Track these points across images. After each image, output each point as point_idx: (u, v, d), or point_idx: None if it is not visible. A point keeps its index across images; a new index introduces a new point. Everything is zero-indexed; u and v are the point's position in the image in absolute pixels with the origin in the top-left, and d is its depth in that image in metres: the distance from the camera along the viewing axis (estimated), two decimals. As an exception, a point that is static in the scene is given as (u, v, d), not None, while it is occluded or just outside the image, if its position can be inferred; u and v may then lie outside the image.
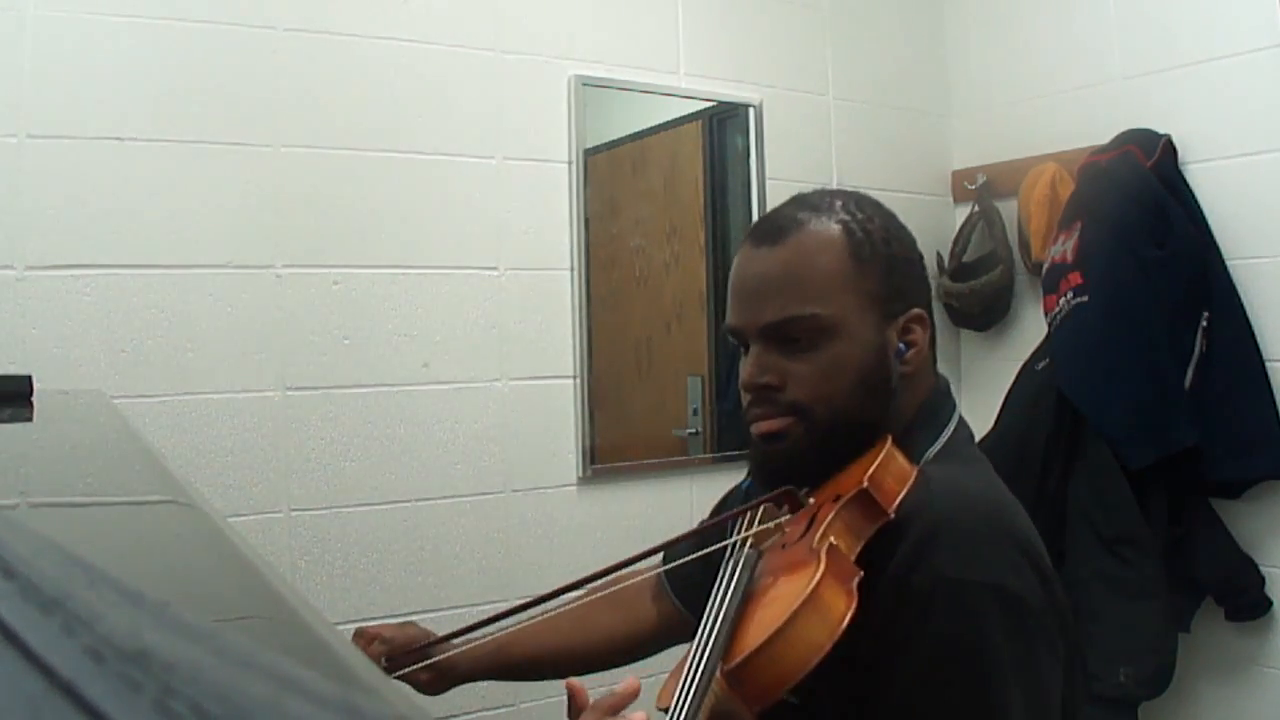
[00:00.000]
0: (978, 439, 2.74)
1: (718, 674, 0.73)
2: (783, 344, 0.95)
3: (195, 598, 0.45)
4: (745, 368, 0.97)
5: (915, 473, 0.89)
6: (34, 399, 1.10)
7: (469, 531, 2.21)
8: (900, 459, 0.90)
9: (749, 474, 1.19)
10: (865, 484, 0.85)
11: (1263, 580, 2.27)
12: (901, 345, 0.96)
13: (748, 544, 0.92)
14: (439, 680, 1.18)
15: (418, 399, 2.16)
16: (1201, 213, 2.32)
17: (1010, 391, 2.46)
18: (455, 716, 2.15)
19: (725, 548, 0.96)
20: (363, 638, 1.19)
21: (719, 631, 0.77)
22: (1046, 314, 2.38)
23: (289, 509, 2.03)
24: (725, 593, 0.83)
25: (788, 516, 0.93)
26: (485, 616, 1.20)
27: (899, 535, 0.85)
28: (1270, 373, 2.26)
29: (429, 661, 1.14)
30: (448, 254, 2.21)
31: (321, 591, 2.02)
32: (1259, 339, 2.26)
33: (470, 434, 2.22)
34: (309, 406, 2.06)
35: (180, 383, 1.94)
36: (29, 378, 1.10)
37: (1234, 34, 2.31)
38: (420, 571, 2.15)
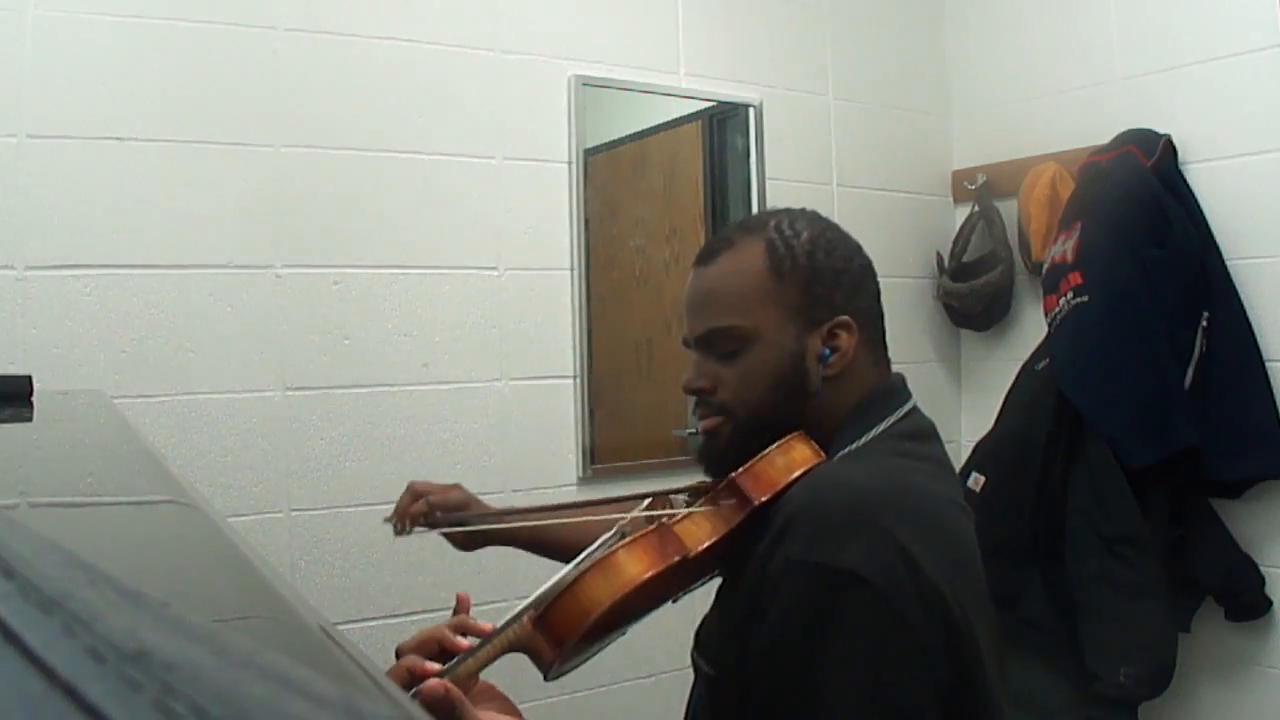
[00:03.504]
0: (978, 438, 2.74)
1: (524, 618, 0.88)
2: (714, 352, 1.05)
3: (195, 598, 0.45)
4: (685, 373, 1.08)
5: (810, 466, 0.97)
6: (34, 399, 1.10)
7: (469, 531, 2.20)
8: (800, 452, 0.98)
9: None
10: (733, 475, 0.96)
11: (1263, 580, 2.27)
12: (826, 350, 1.03)
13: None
14: (470, 541, 1.37)
15: (418, 399, 2.16)
16: (1201, 213, 2.32)
17: (1010, 391, 2.46)
18: (455, 716, 2.14)
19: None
20: (410, 492, 1.31)
21: (556, 584, 0.90)
22: (1046, 314, 2.38)
23: (289, 509, 2.03)
24: (584, 554, 0.94)
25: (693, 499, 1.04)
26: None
27: (768, 522, 0.92)
28: (1270, 373, 2.26)
29: (466, 527, 1.33)
30: (448, 254, 2.21)
31: (321, 591, 2.02)
32: (1259, 339, 2.26)
33: (470, 434, 2.22)
34: (309, 406, 2.06)
35: (180, 383, 1.94)
36: (29, 378, 1.10)
37: (1234, 34, 2.31)
38: (420, 571, 2.14)
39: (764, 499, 0.94)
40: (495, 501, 2.26)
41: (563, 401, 2.34)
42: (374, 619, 2.10)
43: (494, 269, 2.26)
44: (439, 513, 1.29)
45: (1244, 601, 2.28)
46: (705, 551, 0.93)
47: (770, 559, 0.89)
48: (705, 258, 1.08)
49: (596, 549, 0.95)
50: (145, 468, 0.86)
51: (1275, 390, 2.25)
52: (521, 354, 2.29)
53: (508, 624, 0.88)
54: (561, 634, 0.88)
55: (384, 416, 2.13)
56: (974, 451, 2.49)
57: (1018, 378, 2.47)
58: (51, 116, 1.86)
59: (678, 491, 1.10)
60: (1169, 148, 2.35)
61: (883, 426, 1.02)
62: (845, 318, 1.04)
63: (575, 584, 0.88)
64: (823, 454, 0.99)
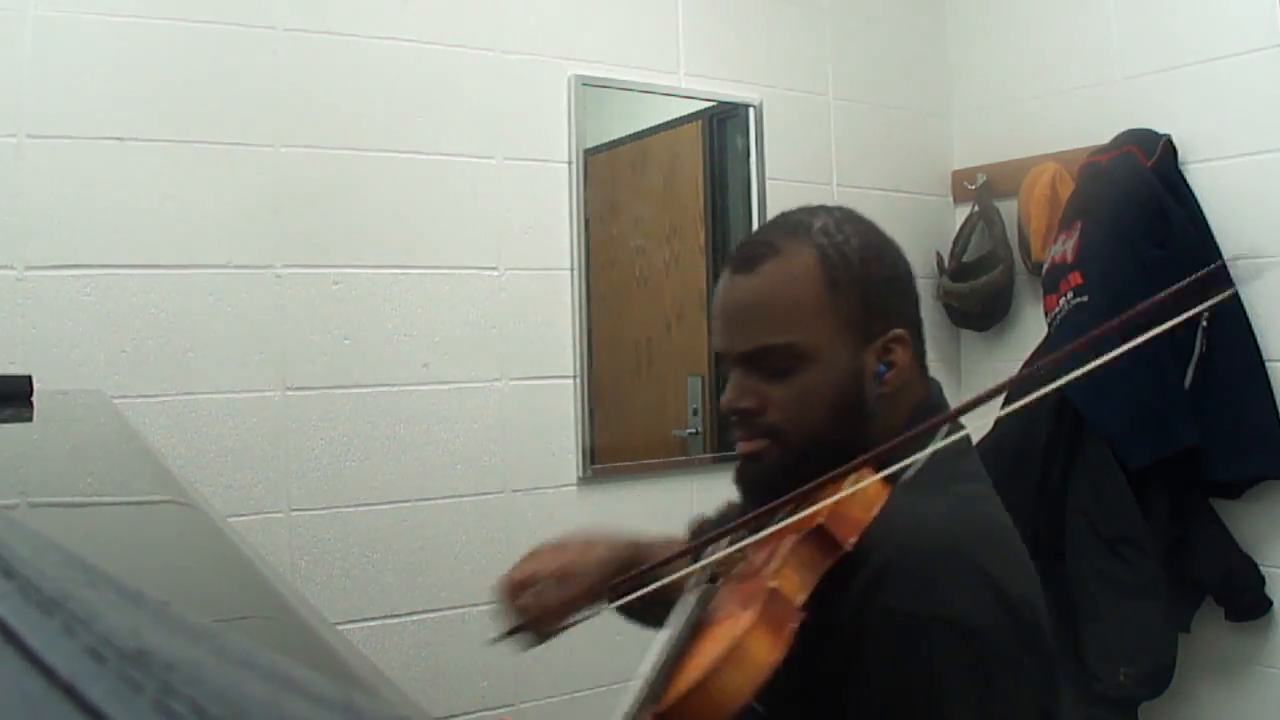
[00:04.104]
0: (978, 439, 2.74)
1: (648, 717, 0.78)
2: (760, 369, 0.97)
3: (195, 598, 0.45)
4: (726, 390, 0.99)
5: (884, 500, 0.89)
6: (34, 399, 1.10)
7: (469, 531, 2.21)
8: (874, 486, 0.90)
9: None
10: (823, 520, 0.86)
11: (1263, 580, 2.27)
12: (881, 366, 0.97)
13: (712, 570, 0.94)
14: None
15: (418, 399, 2.16)
16: (1201, 213, 2.32)
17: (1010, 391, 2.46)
18: (455, 717, 2.15)
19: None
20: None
21: (658, 670, 0.80)
22: (1046, 314, 2.38)
23: (289, 509, 2.03)
24: (679, 629, 0.84)
25: (750, 539, 0.93)
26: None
27: (855, 569, 0.85)
28: (1270, 373, 2.26)
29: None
30: (448, 254, 2.21)
31: (321, 591, 2.02)
32: (1259, 339, 2.26)
33: (470, 434, 2.22)
34: (309, 406, 2.06)
35: (180, 383, 1.94)
36: (29, 378, 1.10)
37: (1234, 34, 2.31)
38: (420, 571, 2.15)
39: (852, 542, 0.87)
40: (494, 501, 2.28)
41: (563, 401, 2.34)
42: (374, 619, 2.10)
43: (494, 269, 2.26)
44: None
45: (1244, 601, 2.28)
46: (803, 607, 0.85)
47: (867, 608, 0.84)
48: (747, 265, 0.98)
49: (694, 612, 0.85)
50: (145, 468, 0.86)
51: (1275, 390, 2.25)
52: (521, 354, 2.29)
53: None
54: None
55: (384, 416, 2.13)
56: (974, 451, 2.49)
57: (1018, 378, 2.47)
58: (51, 116, 1.85)
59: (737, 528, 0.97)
60: (1169, 148, 2.35)
61: (936, 445, 0.96)
62: (900, 331, 0.98)
63: (708, 681, 0.78)
64: (888, 483, 0.92)
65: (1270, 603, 2.28)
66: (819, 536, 0.87)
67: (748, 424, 0.98)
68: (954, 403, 1.02)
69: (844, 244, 0.98)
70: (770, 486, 0.95)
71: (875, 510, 0.88)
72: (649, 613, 1.01)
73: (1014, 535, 0.96)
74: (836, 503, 0.87)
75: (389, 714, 0.24)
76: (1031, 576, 0.92)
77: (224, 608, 0.44)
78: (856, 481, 0.89)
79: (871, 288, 0.98)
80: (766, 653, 0.79)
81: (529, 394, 2.30)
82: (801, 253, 0.97)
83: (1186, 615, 2.32)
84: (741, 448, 0.99)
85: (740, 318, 0.98)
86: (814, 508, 0.88)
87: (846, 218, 1.02)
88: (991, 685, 0.84)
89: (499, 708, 2.22)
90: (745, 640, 0.79)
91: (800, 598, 0.84)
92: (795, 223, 1.01)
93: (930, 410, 1.00)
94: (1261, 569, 2.28)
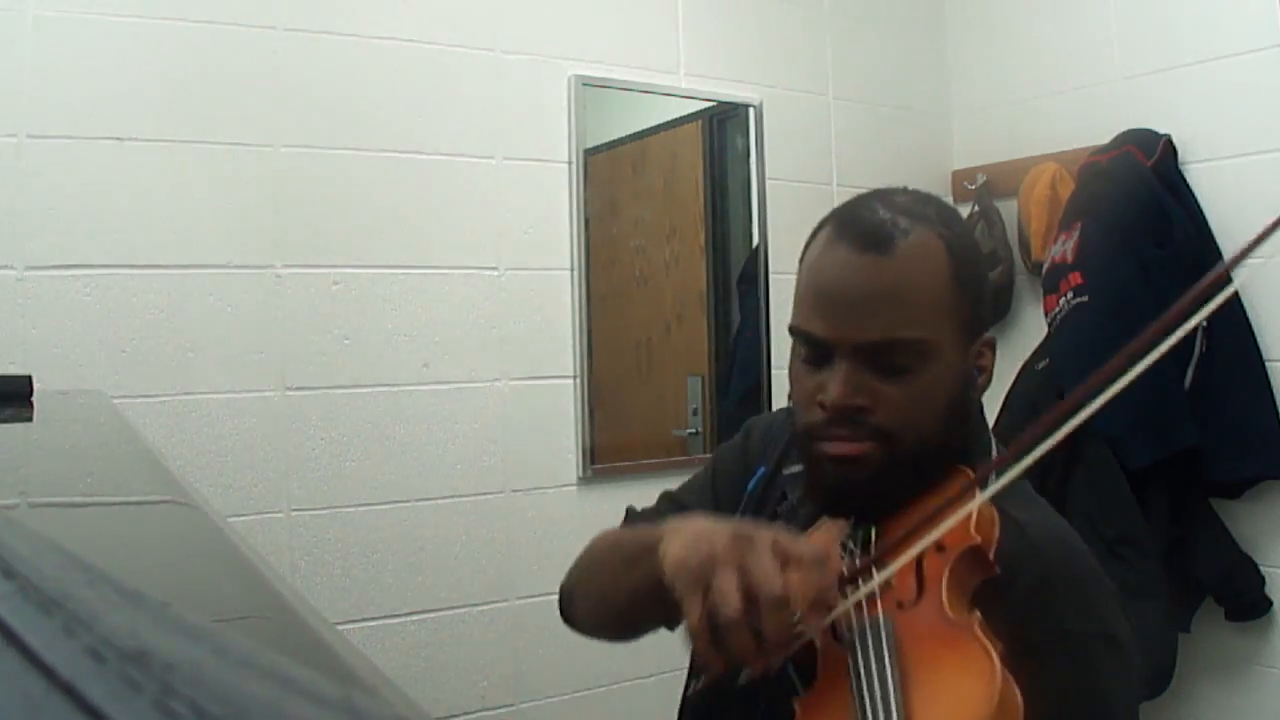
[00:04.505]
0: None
1: None
2: (876, 364, 0.87)
3: (195, 598, 0.45)
4: (832, 385, 0.87)
5: (998, 514, 0.84)
6: (34, 399, 1.10)
7: (469, 531, 2.21)
8: (982, 499, 0.83)
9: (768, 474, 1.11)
10: (977, 538, 0.80)
11: (1263, 580, 2.27)
12: (974, 371, 0.93)
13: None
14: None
15: (418, 399, 2.16)
16: (1201, 213, 2.32)
17: (1010, 391, 2.46)
18: (455, 717, 2.15)
19: None
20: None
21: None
22: (1046, 314, 2.38)
23: (289, 509, 2.03)
24: (874, 669, 0.74)
25: (869, 559, 0.83)
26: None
27: (1005, 585, 0.81)
28: (1270, 373, 2.26)
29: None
30: (448, 254, 2.21)
31: (321, 591, 2.02)
32: (1259, 339, 2.26)
33: (470, 434, 2.22)
34: (309, 406, 2.06)
35: (180, 383, 1.94)
36: (29, 378, 1.10)
37: (1234, 34, 2.31)
38: (420, 571, 2.15)
39: (991, 560, 0.81)
40: (494, 501, 2.28)
41: (563, 401, 2.34)
42: (374, 619, 2.10)
43: (494, 269, 2.26)
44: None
45: (1244, 601, 2.28)
46: None
47: (1024, 628, 0.77)
48: (878, 245, 0.87)
49: (889, 652, 0.75)
50: (145, 468, 0.86)
51: (1275, 390, 2.25)
52: (521, 354, 2.29)
53: None
54: None
55: (384, 416, 2.13)
56: (974, 451, 2.49)
57: (1018, 378, 2.47)
58: (51, 116, 1.85)
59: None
60: (1169, 148, 2.35)
61: (995, 455, 0.92)
62: (992, 336, 0.95)
63: None
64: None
65: (1270, 603, 2.28)
66: (975, 555, 0.80)
67: (853, 423, 0.87)
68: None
69: (963, 238, 0.92)
70: (868, 494, 0.87)
71: (998, 527, 0.82)
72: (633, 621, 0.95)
73: None
74: (977, 524, 0.80)
75: (389, 714, 0.24)
76: None
77: (224, 608, 0.44)
78: (965, 495, 0.81)
79: (982, 289, 0.94)
80: (1016, 694, 0.72)
81: (529, 394, 2.30)
82: (932, 241, 0.88)
83: (1186, 615, 2.32)
84: (837, 448, 0.87)
85: (867, 304, 0.87)
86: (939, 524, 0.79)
87: (948, 208, 0.96)
88: (1133, 691, 0.87)
89: (499, 708, 2.22)
90: (1005, 686, 0.71)
91: None
92: (910, 206, 0.91)
93: (981, 423, 0.98)
94: (1261, 569, 2.28)
